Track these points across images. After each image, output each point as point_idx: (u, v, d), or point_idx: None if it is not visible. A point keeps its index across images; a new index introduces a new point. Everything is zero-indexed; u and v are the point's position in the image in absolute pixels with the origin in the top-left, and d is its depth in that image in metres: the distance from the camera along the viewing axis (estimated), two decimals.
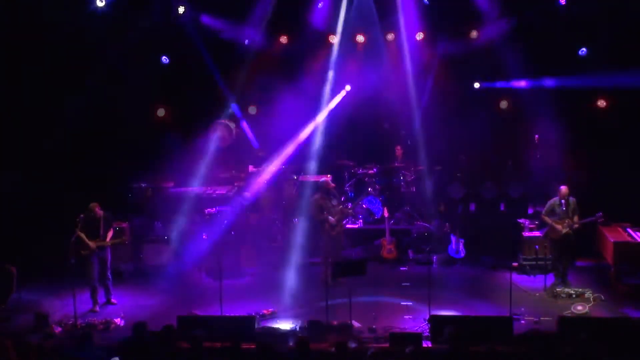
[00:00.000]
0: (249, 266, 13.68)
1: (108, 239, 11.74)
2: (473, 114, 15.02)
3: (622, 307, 11.26)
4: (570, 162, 14.43)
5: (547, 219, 12.32)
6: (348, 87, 15.61)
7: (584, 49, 14.26)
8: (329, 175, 13.81)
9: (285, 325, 10.62)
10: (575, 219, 12.10)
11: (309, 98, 15.37)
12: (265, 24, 15.04)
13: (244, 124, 15.87)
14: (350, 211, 13.62)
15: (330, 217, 12.55)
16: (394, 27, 15.14)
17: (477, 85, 15.40)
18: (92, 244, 11.53)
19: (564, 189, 12.21)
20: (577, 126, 14.66)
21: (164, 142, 15.03)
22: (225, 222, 13.45)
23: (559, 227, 12.12)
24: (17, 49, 13.93)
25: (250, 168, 15.16)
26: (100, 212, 11.69)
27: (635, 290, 11.77)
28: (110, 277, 11.94)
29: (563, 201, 12.16)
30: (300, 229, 14.26)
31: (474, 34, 14.96)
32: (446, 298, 11.60)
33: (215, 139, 15.14)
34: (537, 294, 11.99)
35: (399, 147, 15.45)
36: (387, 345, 9.72)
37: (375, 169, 15.17)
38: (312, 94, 15.43)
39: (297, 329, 10.39)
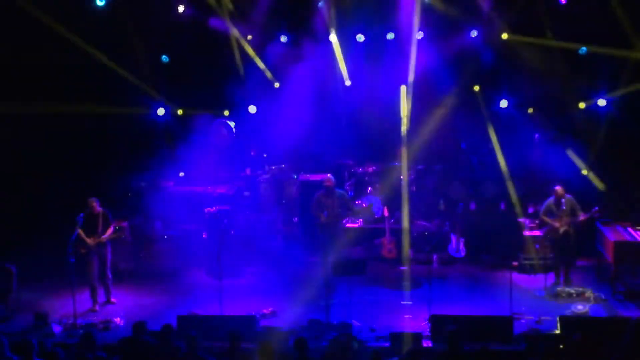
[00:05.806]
0: (249, 266, 13.67)
1: (106, 236, 11.73)
2: (473, 113, 15.01)
3: (622, 307, 11.27)
4: (569, 162, 14.44)
5: (546, 219, 12.36)
6: (348, 82, 15.53)
7: (584, 49, 14.24)
8: (328, 174, 13.79)
9: (285, 325, 10.62)
10: (580, 213, 12.14)
11: (309, 97, 15.36)
12: (265, 23, 15.04)
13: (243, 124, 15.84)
14: (354, 208, 13.61)
15: (322, 215, 12.48)
16: (394, 26, 15.12)
17: (477, 88, 15.39)
18: (89, 241, 11.52)
19: (559, 189, 12.27)
20: (576, 125, 14.65)
21: (164, 141, 15.02)
22: (225, 221, 13.43)
23: (557, 224, 12.15)
24: (16, 48, 13.92)
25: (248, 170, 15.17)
26: (98, 208, 11.67)
27: (635, 290, 11.77)
28: (110, 276, 11.93)
29: (563, 200, 12.20)
30: (300, 227, 14.27)
31: (474, 33, 14.95)
32: (446, 297, 11.60)
33: (215, 138, 15.13)
34: (538, 294, 11.99)
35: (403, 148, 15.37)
36: (387, 344, 9.74)
37: (375, 168, 15.12)
38: (312, 93, 15.42)
39: (297, 328, 10.39)
